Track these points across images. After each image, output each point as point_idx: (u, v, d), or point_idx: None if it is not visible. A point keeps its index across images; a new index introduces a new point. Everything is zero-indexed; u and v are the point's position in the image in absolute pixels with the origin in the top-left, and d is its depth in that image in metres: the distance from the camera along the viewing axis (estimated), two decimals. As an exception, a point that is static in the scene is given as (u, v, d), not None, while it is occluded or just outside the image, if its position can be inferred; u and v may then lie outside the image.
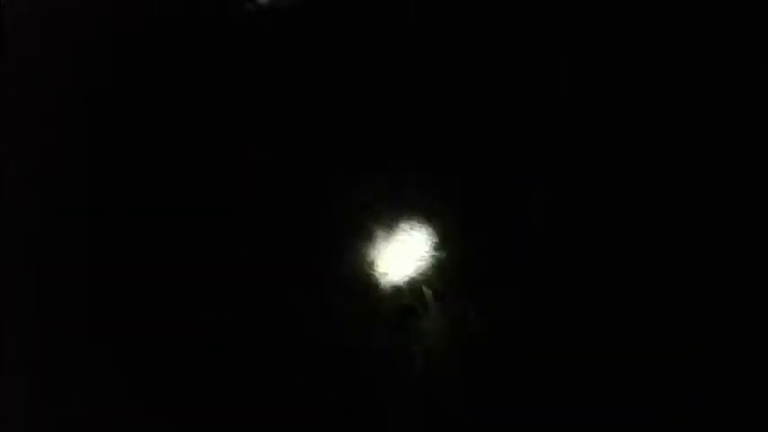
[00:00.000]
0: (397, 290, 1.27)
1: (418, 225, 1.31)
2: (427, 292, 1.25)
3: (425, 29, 1.34)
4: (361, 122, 1.33)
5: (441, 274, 1.25)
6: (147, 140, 1.39)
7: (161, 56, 1.40)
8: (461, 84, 1.31)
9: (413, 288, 1.25)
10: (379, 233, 1.31)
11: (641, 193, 1.23)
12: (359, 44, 1.36)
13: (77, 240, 1.37)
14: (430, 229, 1.29)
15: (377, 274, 1.26)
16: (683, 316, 1.18)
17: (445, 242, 1.27)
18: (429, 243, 1.29)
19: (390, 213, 1.31)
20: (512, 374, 1.19)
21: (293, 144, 1.35)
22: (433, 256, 1.27)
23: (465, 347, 1.22)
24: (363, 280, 1.27)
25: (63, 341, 1.32)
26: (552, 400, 1.17)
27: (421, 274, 1.26)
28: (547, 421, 1.16)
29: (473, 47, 1.31)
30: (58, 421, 1.30)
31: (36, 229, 1.37)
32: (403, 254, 1.29)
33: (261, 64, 1.38)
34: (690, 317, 1.19)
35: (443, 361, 1.20)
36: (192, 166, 1.36)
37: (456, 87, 1.32)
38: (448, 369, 1.20)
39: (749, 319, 1.16)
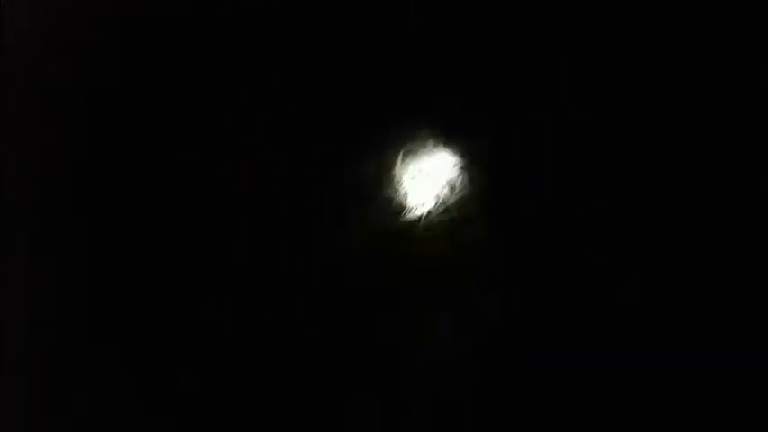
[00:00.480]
0: (406, 282, 1.27)
1: (425, 218, 1.31)
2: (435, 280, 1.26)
3: (426, 27, 1.34)
4: (362, 121, 1.33)
5: (450, 263, 1.25)
6: (147, 140, 1.39)
7: (161, 56, 1.40)
8: (462, 85, 1.31)
9: (423, 278, 1.25)
10: (384, 225, 1.31)
11: (645, 190, 1.23)
12: (358, 43, 1.36)
13: (77, 240, 1.37)
14: (437, 222, 1.30)
15: (383, 269, 1.27)
16: (685, 315, 1.19)
17: (453, 233, 1.27)
18: (437, 235, 1.29)
19: (395, 208, 1.31)
20: (522, 366, 1.19)
21: (293, 144, 1.35)
22: (442, 245, 1.27)
23: (475, 339, 1.22)
24: (369, 274, 1.27)
25: (63, 341, 1.32)
26: (562, 394, 1.18)
27: (431, 265, 1.26)
28: (556, 416, 1.16)
29: (475, 46, 1.31)
30: (57, 421, 1.30)
31: (36, 229, 1.37)
32: (411, 248, 1.30)
33: (261, 63, 1.39)
34: (689, 315, 1.19)
35: (454, 352, 1.21)
36: (192, 166, 1.36)
37: (457, 89, 1.32)
38: (458, 360, 1.20)
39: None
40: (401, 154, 1.29)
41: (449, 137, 1.27)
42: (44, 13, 1.43)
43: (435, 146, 1.28)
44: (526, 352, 1.18)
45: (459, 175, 1.28)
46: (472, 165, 1.26)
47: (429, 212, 1.27)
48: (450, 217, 1.28)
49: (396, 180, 1.28)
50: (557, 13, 1.23)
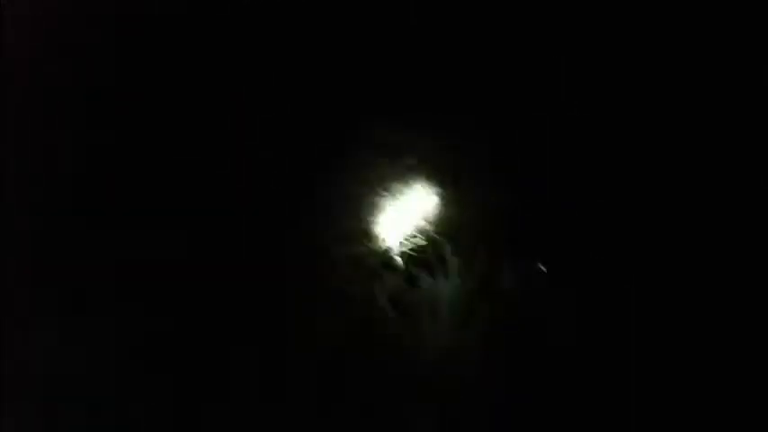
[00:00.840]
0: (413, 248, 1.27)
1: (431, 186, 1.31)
2: (446, 246, 1.24)
3: (426, 28, 1.34)
4: (364, 118, 1.33)
5: (461, 229, 1.25)
6: (147, 140, 1.39)
7: (161, 56, 1.39)
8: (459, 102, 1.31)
9: (430, 243, 1.25)
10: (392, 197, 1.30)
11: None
12: (358, 43, 1.35)
13: (77, 240, 1.37)
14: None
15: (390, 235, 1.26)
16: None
17: (465, 198, 1.26)
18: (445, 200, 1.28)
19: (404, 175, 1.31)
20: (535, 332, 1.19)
21: (294, 143, 1.34)
22: (450, 210, 1.26)
23: (487, 304, 1.21)
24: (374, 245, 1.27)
25: (63, 342, 1.32)
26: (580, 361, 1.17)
27: (439, 229, 1.26)
28: (573, 383, 1.16)
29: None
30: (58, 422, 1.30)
31: (36, 229, 1.37)
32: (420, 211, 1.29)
33: (261, 64, 1.38)
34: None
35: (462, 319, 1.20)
36: (191, 165, 1.36)
37: (454, 105, 1.31)
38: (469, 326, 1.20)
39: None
40: (402, 158, 1.28)
41: (446, 147, 1.27)
42: (44, 13, 1.43)
43: (433, 150, 1.28)
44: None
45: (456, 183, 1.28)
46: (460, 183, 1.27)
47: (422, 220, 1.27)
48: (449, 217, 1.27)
49: (396, 183, 1.28)
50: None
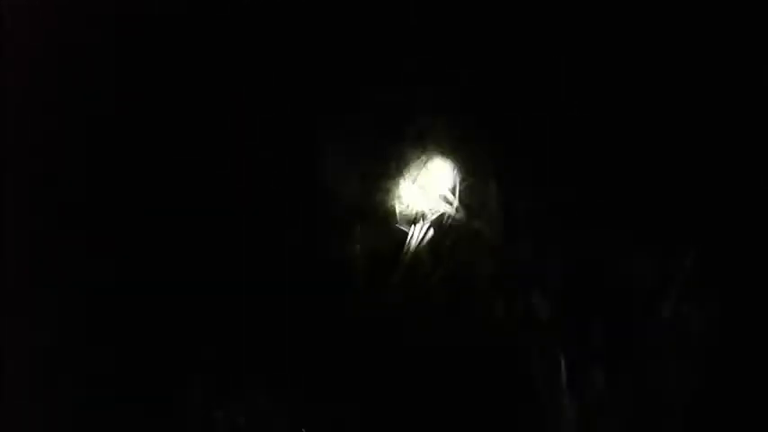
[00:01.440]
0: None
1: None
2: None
3: (426, 27, 1.34)
4: (368, 115, 1.33)
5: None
6: (147, 140, 1.39)
7: (161, 56, 1.40)
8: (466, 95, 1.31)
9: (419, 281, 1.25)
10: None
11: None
12: (358, 44, 1.35)
13: (77, 240, 1.37)
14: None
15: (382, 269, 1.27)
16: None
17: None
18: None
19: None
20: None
21: (294, 144, 1.34)
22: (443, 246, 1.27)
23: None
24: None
25: (63, 343, 1.32)
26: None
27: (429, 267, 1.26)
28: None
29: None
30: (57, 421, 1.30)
31: (36, 229, 1.37)
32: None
33: (261, 64, 1.38)
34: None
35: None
36: (192, 165, 1.36)
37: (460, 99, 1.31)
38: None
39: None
40: (402, 158, 1.28)
41: (449, 144, 1.27)
42: (44, 13, 1.43)
43: (436, 153, 1.28)
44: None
45: (458, 183, 1.28)
46: (472, 173, 1.27)
47: (426, 216, 1.27)
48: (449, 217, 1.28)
49: (396, 183, 1.28)
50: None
